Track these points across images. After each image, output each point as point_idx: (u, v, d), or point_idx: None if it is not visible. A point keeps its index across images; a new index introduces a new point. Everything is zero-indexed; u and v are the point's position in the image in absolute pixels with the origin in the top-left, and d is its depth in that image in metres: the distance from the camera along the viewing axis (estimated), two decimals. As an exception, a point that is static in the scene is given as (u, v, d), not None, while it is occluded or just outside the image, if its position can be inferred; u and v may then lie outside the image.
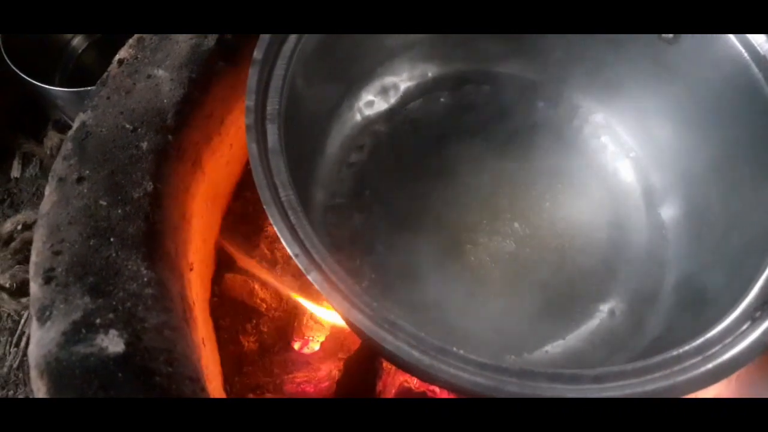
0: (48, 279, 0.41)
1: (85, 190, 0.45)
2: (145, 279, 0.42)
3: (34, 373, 0.37)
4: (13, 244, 0.89)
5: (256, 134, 0.42)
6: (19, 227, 0.90)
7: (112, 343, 0.38)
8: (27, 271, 0.86)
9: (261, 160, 0.42)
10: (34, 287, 0.41)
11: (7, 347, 0.85)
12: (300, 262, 0.39)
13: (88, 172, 0.45)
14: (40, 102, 0.92)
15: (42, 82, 0.81)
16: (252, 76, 0.44)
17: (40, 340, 0.38)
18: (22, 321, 0.86)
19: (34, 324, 0.40)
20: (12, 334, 0.86)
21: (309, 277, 0.38)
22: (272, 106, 0.44)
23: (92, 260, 0.42)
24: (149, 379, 0.37)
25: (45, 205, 0.44)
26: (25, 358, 0.85)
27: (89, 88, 0.80)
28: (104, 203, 0.45)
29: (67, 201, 0.44)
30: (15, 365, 0.84)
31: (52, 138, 0.92)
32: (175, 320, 0.42)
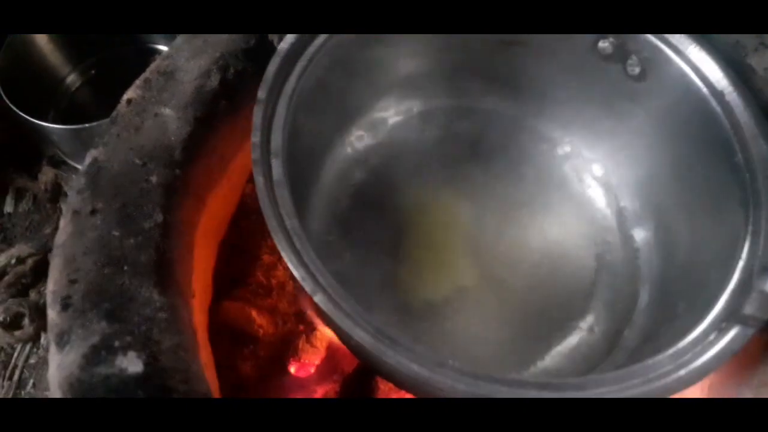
0: (65, 306, 0.44)
1: (99, 222, 0.48)
2: (158, 304, 0.45)
3: (57, 394, 0.39)
4: (6, 278, 0.90)
5: (262, 168, 0.46)
6: (13, 261, 0.91)
7: (132, 363, 0.40)
8: (21, 305, 0.88)
9: (267, 191, 0.45)
10: (51, 314, 0.44)
11: (1, 380, 0.86)
12: (306, 285, 0.42)
13: (101, 204, 0.48)
14: (34, 138, 0.94)
15: (36, 119, 0.84)
16: (257, 114, 0.48)
17: (61, 363, 0.41)
18: (15, 354, 0.87)
19: (53, 348, 0.43)
20: (5, 368, 0.87)
21: (315, 299, 0.41)
22: (276, 141, 0.48)
23: (107, 287, 0.45)
24: (168, 396, 0.39)
25: (60, 237, 0.47)
26: (18, 391, 0.85)
27: (86, 125, 0.83)
28: (117, 234, 0.47)
29: (81, 232, 0.47)
30: (9, 398, 0.85)
31: (46, 173, 0.94)
32: (187, 342, 0.44)
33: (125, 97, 0.54)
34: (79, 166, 0.94)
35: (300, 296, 0.63)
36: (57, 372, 0.41)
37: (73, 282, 0.45)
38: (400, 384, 0.49)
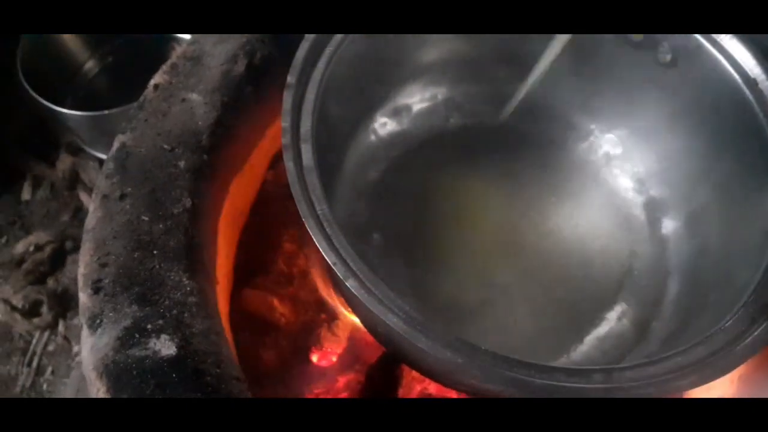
0: (97, 289, 0.44)
1: (128, 207, 0.48)
2: (188, 288, 0.45)
3: (92, 375, 0.39)
4: (25, 266, 0.90)
5: (293, 153, 0.46)
6: (31, 248, 0.91)
7: (165, 346, 0.40)
8: (39, 292, 0.89)
9: (298, 177, 0.45)
10: (83, 297, 0.44)
11: (20, 367, 0.86)
12: (338, 270, 0.42)
13: (129, 189, 0.48)
14: (51, 125, 0.94)
15: (54, 105, 0.84)
16: (287, 99, 0.47)
17: (95, 345, 0.41)
18: (34, 341, 0.88)
19: (85, 331, 0.43)
20: (24, 354, 0.87)
21: (347, 284, 0.41)
22: (305, 127, 0.47)
23: (137, 272, 0.45)
24: (200, 379, 0.39)
25: (90, 221, 0.47)
26: (37, 378, 0.86)
27: (105, 112, 0.83)
28: (146, 218, 0.47)
29: (111, 217, 0.47)
30: (27, 385, 0.85)
31: (64, 161, 0.94)
32: (217, 326, 0.44)
33: (152, 82, 0.54)
34: (97, 154, 0.94)
35: (329, 282, 0.63)
36: (91, 354, 0.41)
37: (103, 266, 0.45)
38: (429, 372, 0.49)
